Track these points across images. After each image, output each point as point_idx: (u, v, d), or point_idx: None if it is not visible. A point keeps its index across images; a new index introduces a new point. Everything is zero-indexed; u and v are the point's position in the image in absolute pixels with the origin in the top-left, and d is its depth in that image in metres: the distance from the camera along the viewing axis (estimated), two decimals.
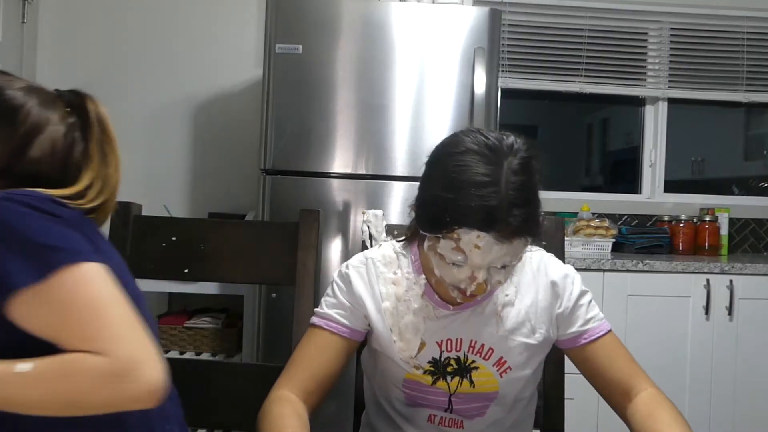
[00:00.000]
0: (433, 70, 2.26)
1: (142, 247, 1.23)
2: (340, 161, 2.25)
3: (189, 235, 1.25)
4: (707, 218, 2.96)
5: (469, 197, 0.91)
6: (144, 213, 1.27)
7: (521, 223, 0.92)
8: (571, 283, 1.13)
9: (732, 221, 3.09)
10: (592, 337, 1.11)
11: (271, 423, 1.00)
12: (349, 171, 2.25)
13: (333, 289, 1.15)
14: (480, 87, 2.21)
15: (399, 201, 2.25)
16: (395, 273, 1.13)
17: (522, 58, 3.09)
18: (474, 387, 1.12)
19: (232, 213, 2.75)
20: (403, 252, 1.16)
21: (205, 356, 2.48)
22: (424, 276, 1.11)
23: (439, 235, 0.96)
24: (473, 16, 2.27)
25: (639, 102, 3.27)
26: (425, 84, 2.26)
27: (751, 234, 3.18)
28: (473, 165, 0.93)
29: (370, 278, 1.13)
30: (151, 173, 2.88)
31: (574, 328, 1.12)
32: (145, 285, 2.30)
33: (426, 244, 1.00)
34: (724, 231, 3.00)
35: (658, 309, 2.49)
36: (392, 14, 2.25)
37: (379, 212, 1.41)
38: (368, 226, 1.38)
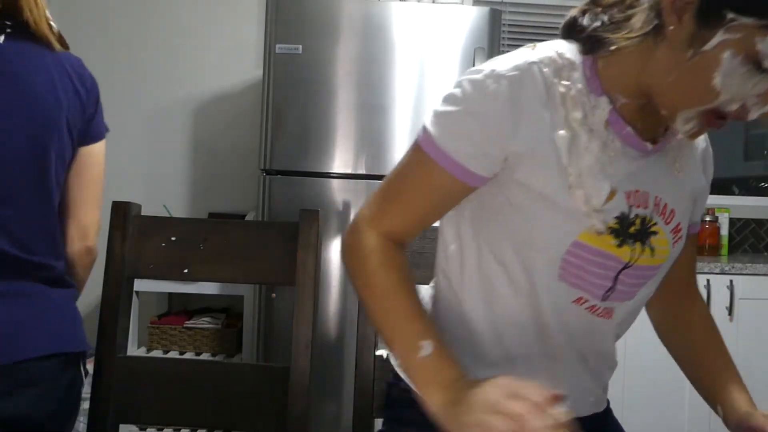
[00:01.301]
0: (433, 70, 2.26)
1: (142, 247, 1.23)
2: (340, 161, 2.25)
3: (189, 235, 1.24)
4: (707, 218, 2.96)
5: None
6: (144, 213, 1.27)
7: None
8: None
9: (732, 221, 3.09)
10: (693, 231, 0.96)
11: (384, 300, 0.80)
12: (349, 171, 2.25)
13: (464, 112, 0.79)
14: None
15: None
16: (567, 88, 0.78)
17: None
18: (654, 257, 0.84)
19: (232, 213, 2.75)
20: (571, 59, 0.80)
21: (205, 356, 2.48)
22: (606, 98, 0.79)
23: None
24: (473, 16, 2.27)
25: None
26: (425, 84, 2.26)
27: (751, 234, 3.18)
28: None
29: (540, 94, 0.77)
30: (151, 173, 2.88)
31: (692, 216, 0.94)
32: (145, 285, 2.32)
33: (721, 37, 0.67)
34: (724, 231, 3.00)
35: None
36: (392, 14, 2.25)
37: None
38: None
